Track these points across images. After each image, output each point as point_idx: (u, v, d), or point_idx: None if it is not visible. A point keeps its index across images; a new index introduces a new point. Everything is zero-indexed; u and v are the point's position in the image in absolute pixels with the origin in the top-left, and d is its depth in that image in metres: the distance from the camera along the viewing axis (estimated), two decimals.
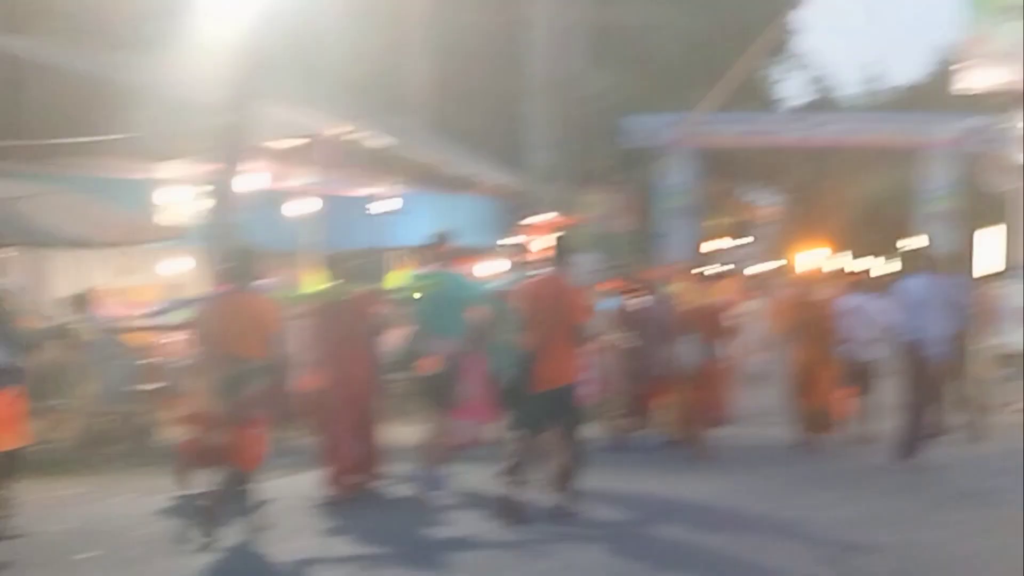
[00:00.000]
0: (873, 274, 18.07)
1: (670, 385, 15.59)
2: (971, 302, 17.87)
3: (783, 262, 48.49)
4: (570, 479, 11.33)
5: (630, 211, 38.62)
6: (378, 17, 29.74)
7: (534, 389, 11.03)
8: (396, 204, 19.23)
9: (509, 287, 12.61)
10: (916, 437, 14.08)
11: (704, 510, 11.98)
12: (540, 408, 11.09)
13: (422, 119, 30.01)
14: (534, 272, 12.15)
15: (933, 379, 14.05)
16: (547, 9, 33.91)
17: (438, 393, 12.67)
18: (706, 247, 43.99)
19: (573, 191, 37.87)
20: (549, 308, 11.06)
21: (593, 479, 11.81)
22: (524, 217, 28.04)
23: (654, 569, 9.61)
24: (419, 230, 19.83)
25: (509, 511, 11.08)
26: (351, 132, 18.46)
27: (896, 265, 18.69)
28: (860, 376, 16.44)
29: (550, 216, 29.84)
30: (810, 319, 15.98)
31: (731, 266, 31.27)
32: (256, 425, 10.59)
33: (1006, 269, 22.47)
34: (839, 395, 16.14)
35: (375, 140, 19.16)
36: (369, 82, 27.90)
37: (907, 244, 27.66)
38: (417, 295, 12.72)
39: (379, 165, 19.47)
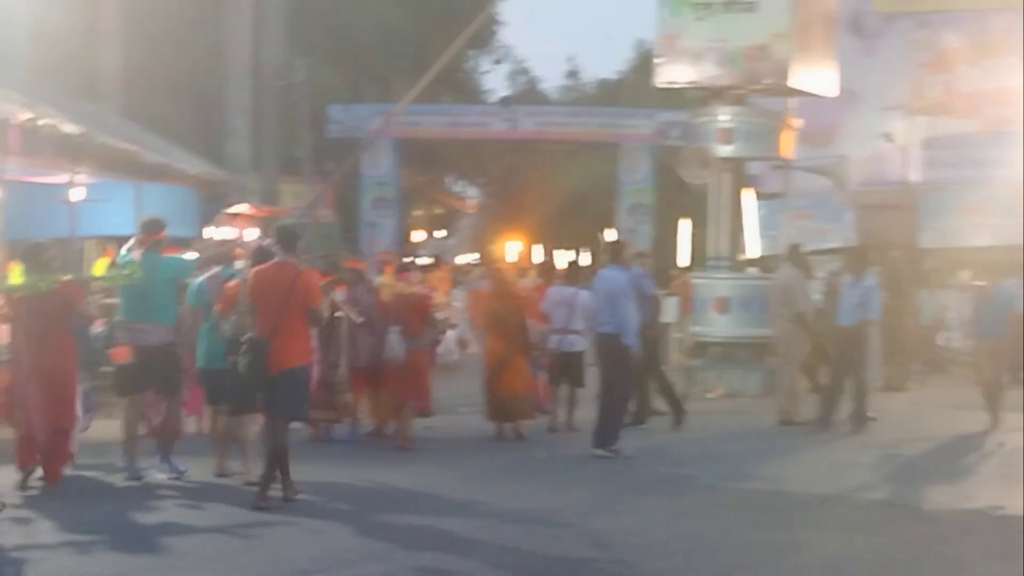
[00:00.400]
0: (576, 266, 18.30)
1: (373, 376, 15.55)
2: (668, 292, 18.26)
3: (484, 254, 48.93)
4: (286, 464, 11.32)
5: (333, 201, 38.34)
6: (70, 1, 28.71)
7: (269, 372, 11.09)
8: (88, 193, 18.53)
9: (218, 277, 12.78)
10: (613, 425, 14.29)
11: (408, 498, 11.86)
12: (268, 390, 11.20)
13: (116, 107, 29.08)
14: (244, 262, 12.24)
15: (627, 369, 14.28)
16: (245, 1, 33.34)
17: (132, 382, 12.53)
18: (410, 238, 44.01)
19: (275, 181, 37.40)
20: (280, 294, 11.22)
21: (299, 470, 11.57)
22: (224, 207, 27.54)
23: (359, 554, 9.42)
24: (113, 219, 19.29)
25: (261, 495, 11.11)
26: (40, 118, 17.67)
27: (597, 257, 19.13)
28: (566, 367, 16.64)
29: (251, 206, 29.42)
30: (503, 311, 16.16)
31: (434, 257, 31.24)
32: None
33: (706, 260, 22.99)
34: (532, 385, 16.30)
35: (65, 126, 18.39)
36: (60, 67, 26.88)
37: (606, 236, 28.09)
38: (124, 282, 12.41)
39: (70, 152, 18.68)
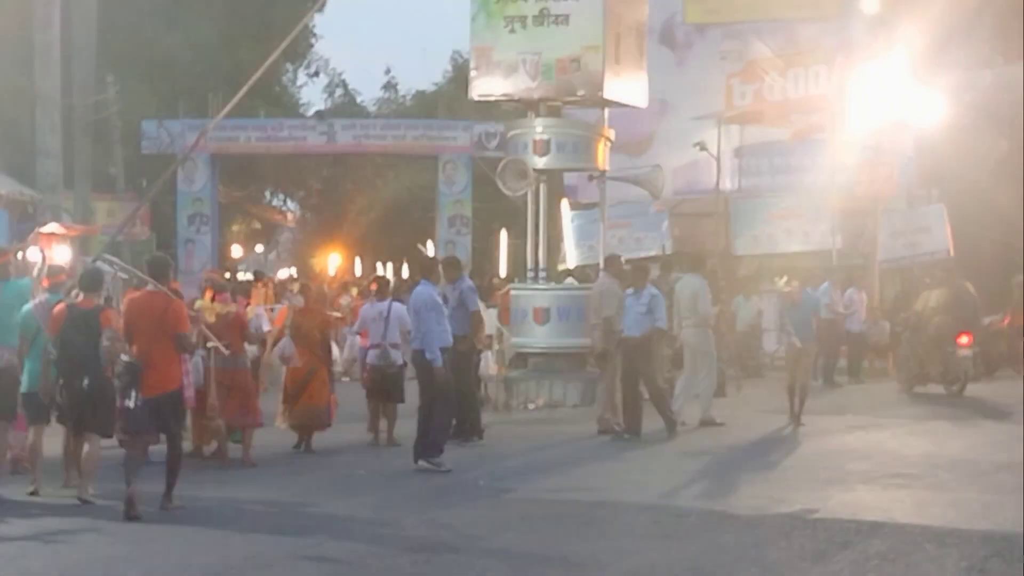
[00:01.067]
0: (385, 280, 18.47)
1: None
2: (489, 304, 18.37)
3: (303, 268, 48.67)
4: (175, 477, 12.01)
5: (149, 219, 37.75)
6: None
7: (147, 395, 11.83)
8: None
9: (46, 304, 13.02)
10: (432, 438, 14.37)
11: (234, 512, 11.90)
12: (148, 413, 11.89)
13: None
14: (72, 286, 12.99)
15: (438, 383, 14.37)
16: (55, 14, 32.65)
17: None
18: (229, 253, 43.56)
19: (88, 199, 36.71)
20: (153, 321, 11.96)
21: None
22: (36, 226, 26.95)
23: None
24: None
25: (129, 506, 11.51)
26: None
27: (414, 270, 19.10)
28: (383, 381, 16.69)
29: (63, 225, 28.82)
30: (307, 324, 16.48)
31: (254, 272, 30.95)
32: None
33: (525, 271, 23.14)
34: (329, 398, 16.49)
35: None
36: None
37: (425, 249, 28.16)
38: None
39: None
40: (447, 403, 14.70)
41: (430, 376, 14.39)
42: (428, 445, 14.37)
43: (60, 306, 12.57)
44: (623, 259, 19.30)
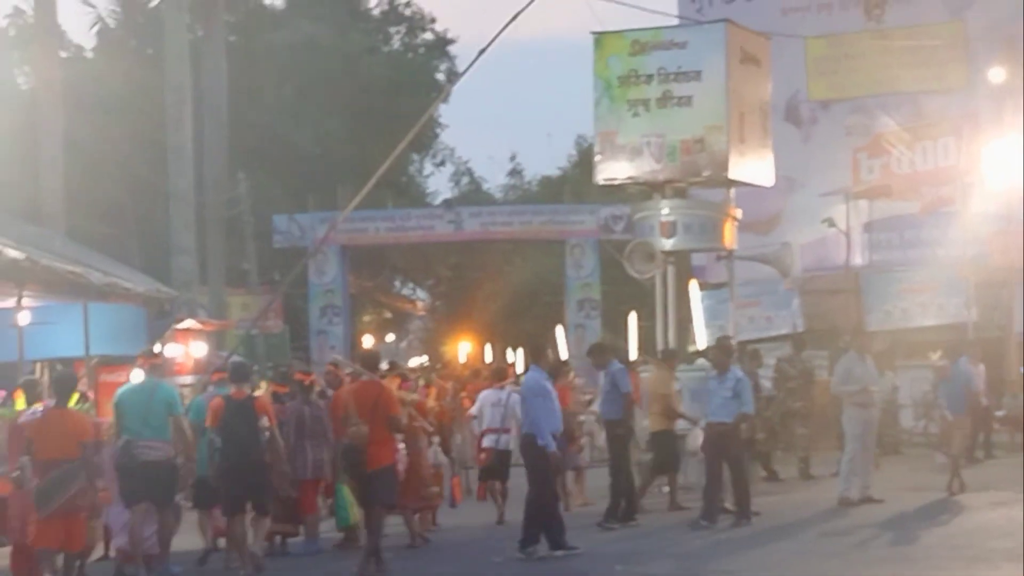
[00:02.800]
0: (499, 367, 18.73)
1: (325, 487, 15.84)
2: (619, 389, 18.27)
3: (428, 356, 48.90)
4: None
5: (281, 311, 38.28)
6: (11, 125, 28.77)
7: (367, 470, 13.62)
8: (34, 316, 18.49)
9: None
10: (529, 525, 14.34)
11: None
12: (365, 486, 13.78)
13: (60, 228, 29.07)
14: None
15: (541, 469, 14.35)
16: (187, 114, 33.46)
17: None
18: (361, 344, 43.92)
19: (223, 294, 37.38)
20: (368, 406, 13.57)
21: None
22: (173, 323, 27.46)
23: None
24: (61, 340, 19.23)
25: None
26: None
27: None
28: (499, 464, 17.53)
29: (199, 321, 29.34)
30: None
31: (388, 362, 31.16)
32: None
33: (655, 354, 23.04)
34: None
35: (9, 251, 18.37)
36: (2, 192, 26.90)
37: (558, 334, 28.15)
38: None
39: (15, 276, 18.66)
40: (542, 490, 14.59)
41: (531, 461, 14.42)
42: (525, 532, 14.41)
43: (217, 399, 14.22)
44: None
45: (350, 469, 13.98)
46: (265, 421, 13.87)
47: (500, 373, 18.46)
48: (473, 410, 18.02)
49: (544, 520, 14.36)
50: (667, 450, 18.28)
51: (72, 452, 12.78)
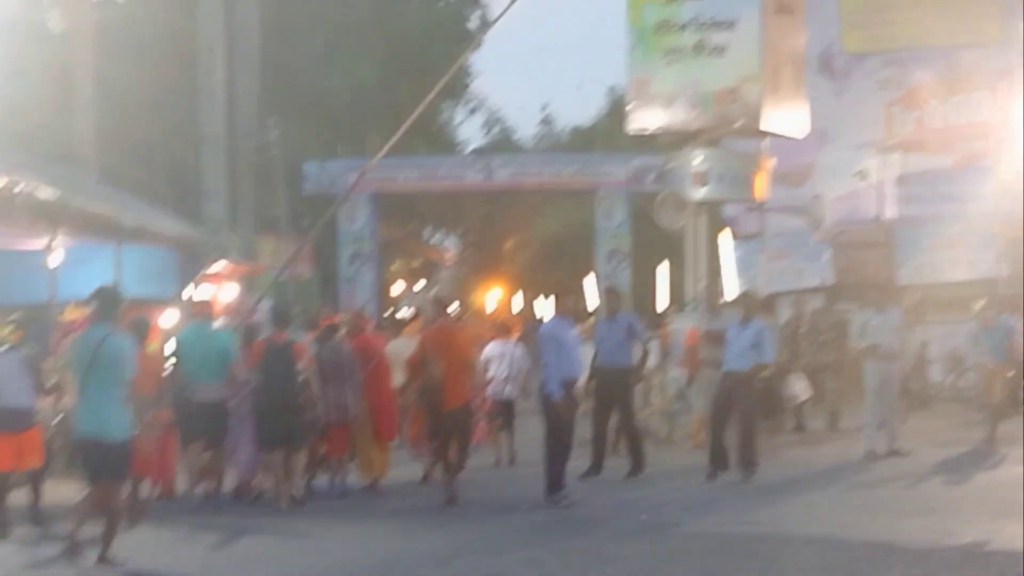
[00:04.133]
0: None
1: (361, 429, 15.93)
2: (651, 337, 18.29)
3: (464, 304, 48.90)
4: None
5: (311, 258, 38.32)
6: (44, 68, 28.79)
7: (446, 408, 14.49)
8: (67, 256, 18.54)
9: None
10: (559, 473, 14.38)
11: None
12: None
13: (91, 170, 29.12)
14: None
15: (551, 417, 14.39)
16: (219, 58, 33.44)
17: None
18: (390, 291, 44.01)
19: (253, 239, 37.40)
20: (446, 350, 14.49)
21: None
22: (204, 267, 27.52)
23: None
24: (93, 282, 19.26)
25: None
26: (16, 184, 17.68)
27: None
28: (503, 413, 18.23)
29: (229, 264, 29.39)
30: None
31: (415, 309, 31.22)
32: None
33: (682, 304, 23.03)
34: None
35: (42, 191, 18.39)
36: (34, 133, 26.95)
37: (586, 284, 28.14)
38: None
39: (47, 217, 18.69)
40: (560, 437, 14.62)
41: (549, 410, 14.48)
42: (551, 481, 14.42)
43: (259, 342, 15.11)
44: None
45: (429, 408, 14.76)
46: (301, 365, 14.69)
47: (505, 328, 18.85)
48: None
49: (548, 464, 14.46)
50: None
51: (147, 390, 13.22)
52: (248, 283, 29.90)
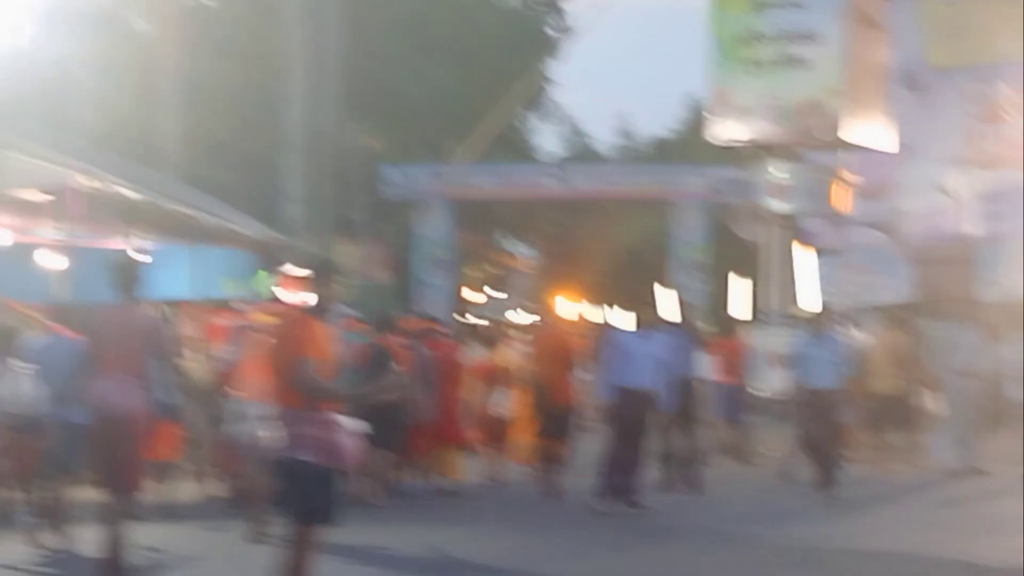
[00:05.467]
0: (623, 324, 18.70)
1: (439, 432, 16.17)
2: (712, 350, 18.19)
3: (540, 314, 48.86)
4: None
5: (388, 262, 38.47)
6: (128, 68, 29.07)
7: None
8: (148, 257, 18.69)
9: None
10: (615, 477, 14.39)
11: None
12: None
13: (174, 172, 29.42)
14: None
15: (621, 426, 14.40)
16: (301, 62, 33.66)
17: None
18: (465, 298, 44.10)
19: (330, 243, 37.58)
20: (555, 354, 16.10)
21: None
22: (282, 269, 27.69)
23: None
24: (172, 283, 19.44)
25: None
26: (100, 183, 17.87)
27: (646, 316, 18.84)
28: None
29: (306, 269, 29.56)
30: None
31: (491, 318, 31.29)
32: None
33: (760, 316, 22.91)
34: None
35: (125, 192, 18.58)
36: (119, 134, 27.24)
37: (656, 294, 28.07)
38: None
39: (129, 217, 18.88)
40: (619, 444, 14.66)
41: (609, 414, 14.67)
42: (615, 487, 14.46)
43: (365, 345, 15.47)
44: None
45: (540, 406, 15.98)
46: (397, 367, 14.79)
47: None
48: None
49: (621, 473, 14.46)
50: None
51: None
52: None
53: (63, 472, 12.59)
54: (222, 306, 19.16)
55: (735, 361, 19.70)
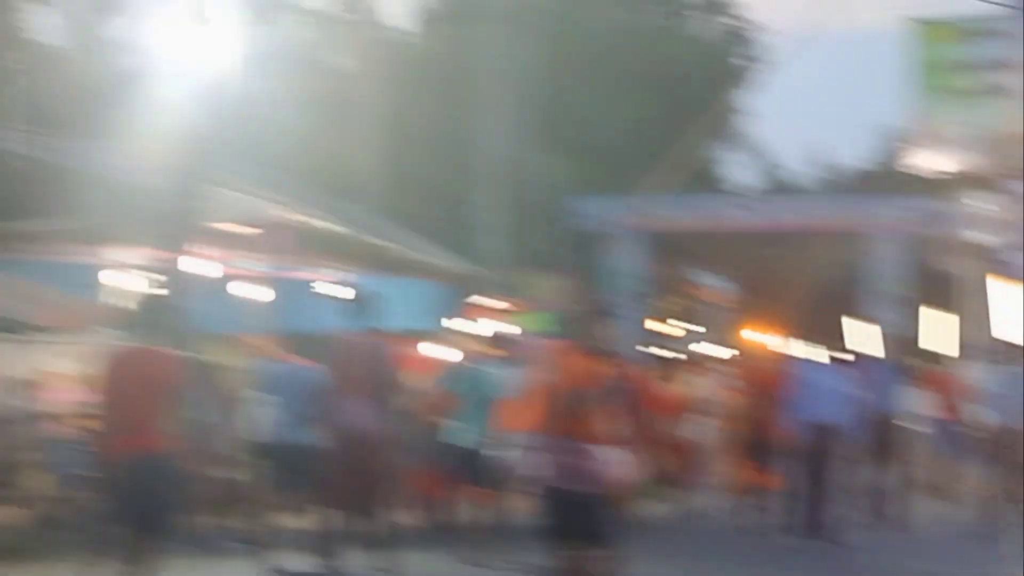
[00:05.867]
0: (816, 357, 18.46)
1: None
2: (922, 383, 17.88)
3: (733, 346, 48.55)
4: None
5: (577, 295, 38.52)
6: (325, 103, 29.67)
7: None
8: (349, 289, 19.07)
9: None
10: (821, 516, 14.21)
11: None
12: None
13: (369, 204, 29.95)
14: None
15: (826, 462, 14.21)
16: (493, 95, 34.02)
17: None
18: (658, 331, 43.98)
19: (520, 275, 37.81)
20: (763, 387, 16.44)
21: None
22: (472, 301, 27.98)
23: None
24: (368, 315, 19.74)
25: None
26: (302, 217, 18.32)
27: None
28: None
29: (499, 300, 29.81)
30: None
31: (682, 350, 31.18)
32: None
33: (963, 351, 22.47)
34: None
35: (327, 225, 19.02)
36: (317, 167, 27.85)
37: (849, 328, 27.68)
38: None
39: (330, 250, 19.30)
40: (809, 477, 14.50)
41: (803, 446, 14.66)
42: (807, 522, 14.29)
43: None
44: None
45: (748, 438, 16.43)
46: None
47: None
48: None
49: (812, 508, 14.33)
50: None
51: None
52: (516, 318, 30.25)
53: (297, 495, 12.97)
54: (421, 337, 19.46)
55: (948, 396, 19.30)
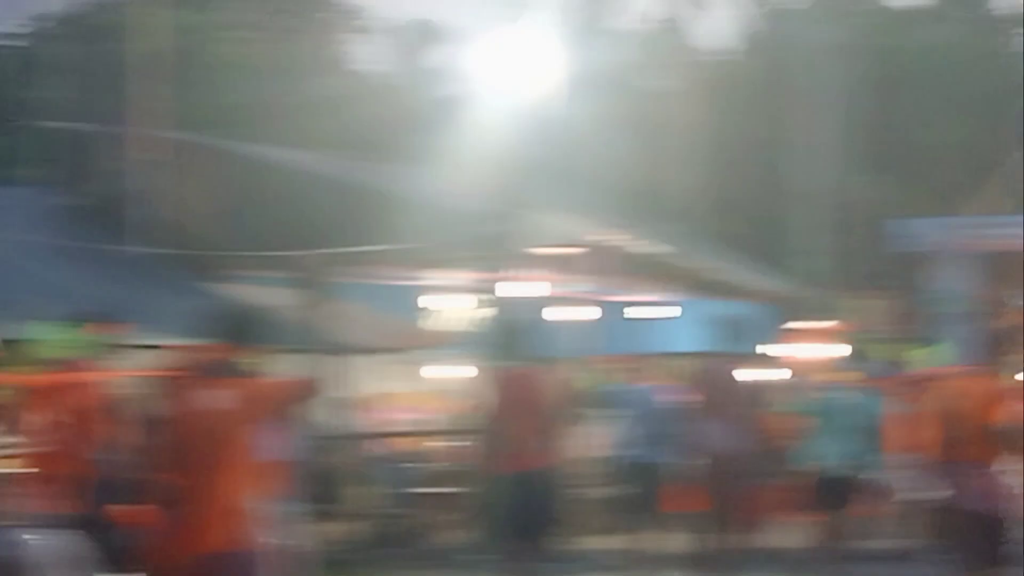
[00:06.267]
0: None
1: None
2: None
3: None
4: None
5: (899, 317, 37.57)
6: (644, 125, 29.71)
7: None
8: (672, 311, 19.01)
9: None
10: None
11: None
12: None
13: (689, 226, 29.84)
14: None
15: None
16: (813, 116, 33.54)
17: None
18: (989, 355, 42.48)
19: (840, 296, 37.10)
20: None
21: None
22: (792, 323, 27.53)
23: None
24: (692, 337, 19.60)
25: None
26: (624, 239, 18.30)
27: None
28: None
29: (820, 323, 29.25)
30: None
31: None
32: None
33: None
34: None
35: (648, 247, 18.96)
36: (637, 189, 27.88)
37: None
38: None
39: (652, 272, 19.25)
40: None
41: None
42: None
43: None
44: None
45: None
46: None
47: None
48: None
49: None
50: None
51: None
52: (839, 340, 29.68)
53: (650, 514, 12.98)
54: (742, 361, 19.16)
55: None
